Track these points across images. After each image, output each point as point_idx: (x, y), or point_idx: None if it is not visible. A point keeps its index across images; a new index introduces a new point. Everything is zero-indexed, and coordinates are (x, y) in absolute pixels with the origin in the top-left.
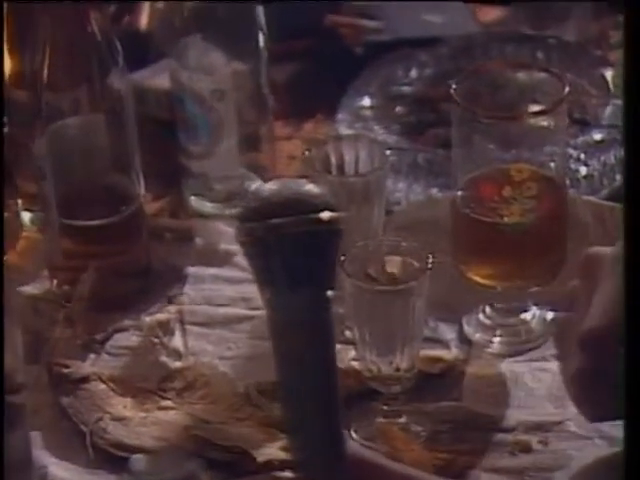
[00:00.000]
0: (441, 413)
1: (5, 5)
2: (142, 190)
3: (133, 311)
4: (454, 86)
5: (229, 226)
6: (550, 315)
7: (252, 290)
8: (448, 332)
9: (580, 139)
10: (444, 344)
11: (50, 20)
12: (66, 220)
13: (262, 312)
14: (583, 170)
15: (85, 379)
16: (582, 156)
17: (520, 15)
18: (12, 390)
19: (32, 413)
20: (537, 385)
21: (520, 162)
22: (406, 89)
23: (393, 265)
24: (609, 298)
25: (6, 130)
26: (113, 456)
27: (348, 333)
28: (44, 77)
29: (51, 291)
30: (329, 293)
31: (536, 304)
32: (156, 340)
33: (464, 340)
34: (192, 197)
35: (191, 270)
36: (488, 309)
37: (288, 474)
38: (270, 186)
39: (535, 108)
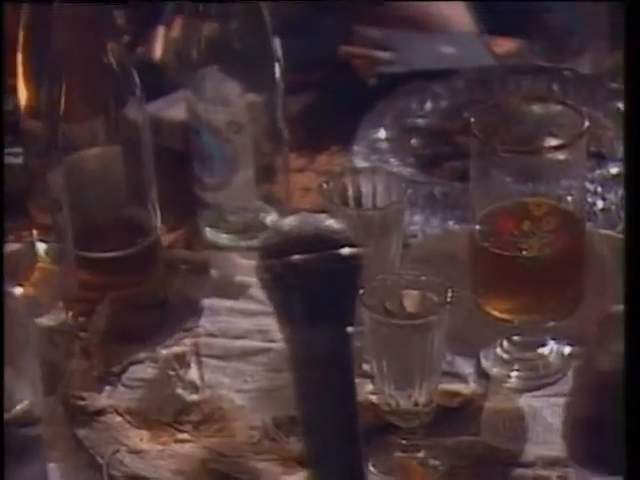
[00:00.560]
0: (459, 448)
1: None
2: (158, 222)
3: (149, 343)
4: (472, 119)
5: (244, 258)
6: (568, 350)
7: (268, 322)
8: (465, 366)
9: (597, 172)
10: (462, 378)
11: (67, 51)
12: (82, 252)
13: (279, 345)
14: (600, 204)
15: (101, 411)
16: (599, 189)
17: (534, 47)
18: (29, 422)
19: (48, 445)
20: (556, 420)
21: (537, 195)
22: (421, 121)
23: (411, 299)
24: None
25: (22, 161)
26: None
27: (366, 366)
28: (61, 108)
29: (66, 322)
30: (349, 329)
31: (554, 338)
32: (172, 372)
33: (482, 374)
34: (207, 228)
35: (207, 302)
36: (506, 343)
37: None
38: (289, 221)
39: (552, 141)
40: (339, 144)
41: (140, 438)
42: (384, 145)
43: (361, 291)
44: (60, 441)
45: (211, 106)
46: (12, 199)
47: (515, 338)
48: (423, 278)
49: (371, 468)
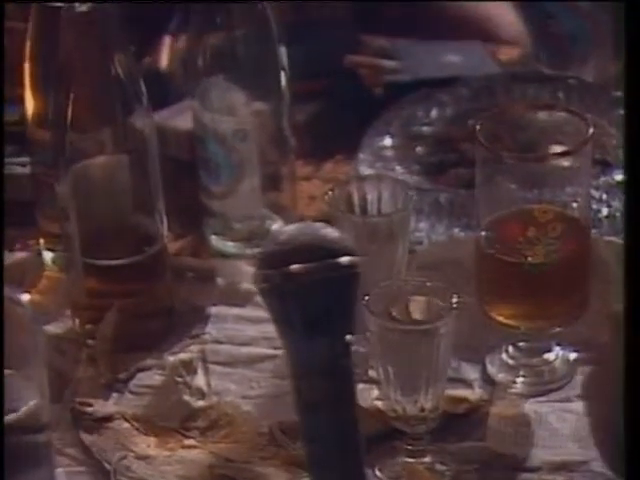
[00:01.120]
0: (465, 453)
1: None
2: (165, 230)
3: (156, 350)
4: (477, 127)
5: (250, 265)
6: (573, 355)
7: (274, 330)
8: (471, 372)
9: (602, 179)
10: (467, 384)
11: (74, 61)
12: (89, 260)
13: (284, 352)
14: (605, 211)
15: (108, 418)
16: (604, 197)
17: (539, 55)
18: (37, 428)
19: (56, 451)
20: (561, 425)
21: (543, 202)
22: (427, 129)
23: (417, 305)
24: None
25: (29, 170)
26: None
27: (372, 373)
28: (68, 117)
29: (74, 330)
30: (348, 338)
31: (559, 344)
32: (179, 379)
33: (487, 380)
34: (213, 236)
35: (213, 310)
36: (511, 349)
37: None
38: (287, 230)
39: (557, 148)
40: (345, 152)
41: (147, 444)
42: (390, 153)
43: (367, 297)
44: (67, 447)
45: (217, 115)
46: (19, 208)
47: (521, 344)
48: (429, 284)
49: (377, 473)
